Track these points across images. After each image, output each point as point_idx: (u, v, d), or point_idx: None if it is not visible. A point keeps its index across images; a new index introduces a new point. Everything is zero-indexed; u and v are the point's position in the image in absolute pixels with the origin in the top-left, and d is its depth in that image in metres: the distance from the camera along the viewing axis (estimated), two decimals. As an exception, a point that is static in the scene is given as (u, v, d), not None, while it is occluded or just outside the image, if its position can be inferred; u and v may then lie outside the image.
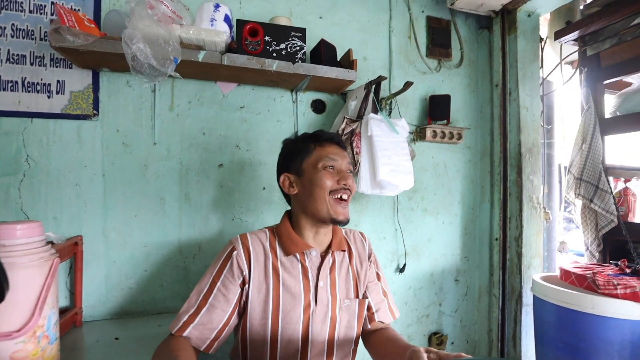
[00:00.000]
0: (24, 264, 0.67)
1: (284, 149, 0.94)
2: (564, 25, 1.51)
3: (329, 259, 0.88)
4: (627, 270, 1.14)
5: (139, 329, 1.09)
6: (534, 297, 1.28)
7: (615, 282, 1.06)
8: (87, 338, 1.03)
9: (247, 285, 0.81)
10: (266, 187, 1.37)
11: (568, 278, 1.19)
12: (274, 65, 1.16)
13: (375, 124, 1.27)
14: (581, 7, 1.45)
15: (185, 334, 0.77)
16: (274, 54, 1.19)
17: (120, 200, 1.21)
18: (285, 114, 1.41)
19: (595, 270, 1.15)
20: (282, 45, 1.21)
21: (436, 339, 1.60)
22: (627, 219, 1.32)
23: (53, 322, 0.74)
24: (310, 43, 1.32)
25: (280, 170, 0.93)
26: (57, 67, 1.15)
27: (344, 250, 0.92)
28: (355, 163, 1.27)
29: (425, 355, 0.61)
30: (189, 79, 1.26)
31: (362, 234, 1.01)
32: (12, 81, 1.11)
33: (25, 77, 1.12)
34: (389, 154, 1.27)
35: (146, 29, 0.83)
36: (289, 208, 0.96)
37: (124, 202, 1.21)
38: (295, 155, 0.89)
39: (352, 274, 0.92)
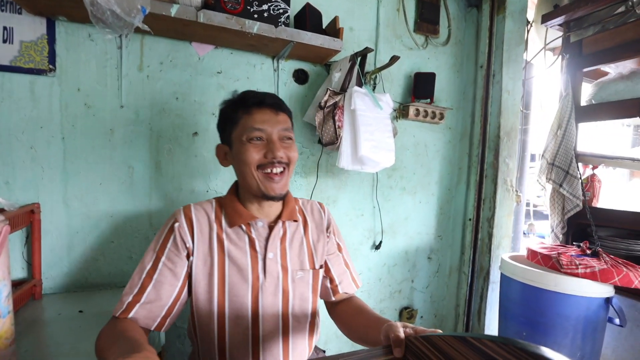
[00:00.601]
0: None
1: (219, 114, 0.86)
2: (551, 9, 1.50)
3: (278, 230, 0.83)
4: (588, 252, 1.21)
5: (105, 302, 1.03)
6: (502, 275, 1.34)
7: (577, 262, 1.12)
8: (48, 311, 0.97)
9: (191, 258, 0.77)
10: (243, 159, 1.31)
11: (534, 258, 1.25)
12: (255, 27, 1.08)
13: (359, 97, 1.22)
14: (570, -10, 1.44)
15: (131, 315, 0.71)
16: (255, 15, 1.11)
17: (83, 167, 1.11)
18: (265, 83, 1.33)
19: (559, 251, 1.21)
20: (265, 7, 1.12)
21: (407, 313, 1.66)
22: (591, 203, 1.39)
23: (5, 294, 0.67)
24: (295, 7, 1.23)
25: (220, 139, 0.87)
26: (2, 11, 1.00)
27: (296, 221, 0.86)
28: (337, 137, 1.24)
29: (402, 330, 0.61)
30: (161, 36, 1.15)
31: (320, 204, 0.95)
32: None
33: (-36, 21, 0.98)
34: (372, 130, 1.24)
35: (109, -29, 0.73)
36: None
37: (87, 169, 1.12)
38: (226, 122, 0.82)
39: (307, 245, 0.87)
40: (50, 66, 1.06)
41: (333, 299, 0.92)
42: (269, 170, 0.77)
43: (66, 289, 1.11)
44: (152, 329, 0.74)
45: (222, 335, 0.78)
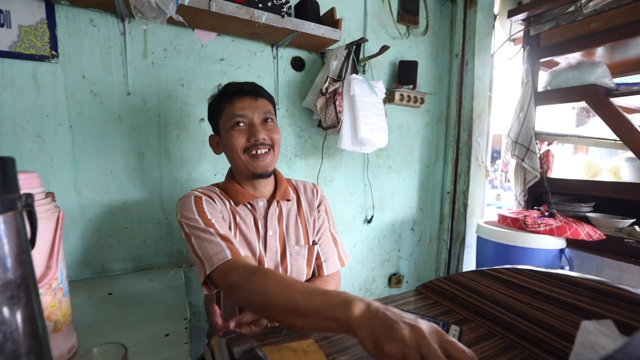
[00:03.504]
0: (38, 215, 0.63)
1: (208, 109, 0.92)
2: (515, 5, 1.69)
3: (274, 209, 0.89)
4: (546, 214, 1.46)
5: (129, 284, 1.07)
6: (478, 237, 1.56)
7: (539, 222, 1.36)
8: (75, 296, 0.99)
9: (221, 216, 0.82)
10: (248, 144, 1.37)
11: (505, 221, 1.48)
12: (264, 17, 1.13)
13: (357, 84, 1.33)
14: (531, -11, 1.64)
15: (243, 254, 0.72)
16: (260, 5, 1.15)
17: (93, 155, 1.11)
18: (265, 70, 1.39)
19: (525, 214, 1.44)
20: (269, -4, 1.17)
21: (395, 278, 1.85)
22: (547, 174, 1.64)
23: (65, 274, 0.72)
24: (294, -3, 1.29)
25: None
26: (-1, -8, 0.96)
27: (289, 200, 0.92)
28: (338, 121, 1.34)
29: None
30: (164, 23, 1.16)
31: (314, 185, 1.01)
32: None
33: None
34: (369, 114, 1.36)
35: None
36: None
37: (97, 157, 1.12)
38: (214, 113, 0.88)
39: (302, 222, 0.93)
40: (53, 52, 1.04)
41: (317, 276, 0.95)
42: (254, 152, 0.83)
43: (84, 276, 1.13)
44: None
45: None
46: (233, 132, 0.83)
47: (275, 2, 1.19)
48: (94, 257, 1.15)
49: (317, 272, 0.94)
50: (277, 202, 0.91)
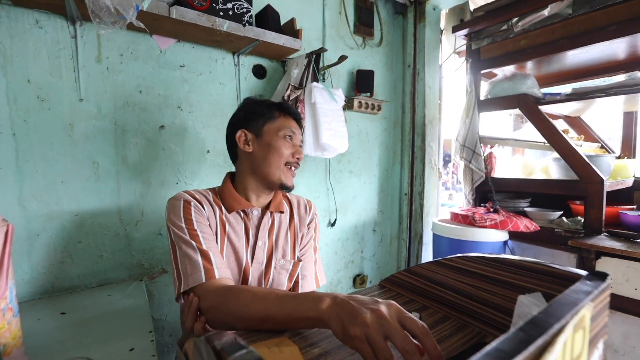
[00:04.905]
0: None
1: (247, 106, 0.94)
2: (458, 21, 1.87)
3: (267, 220, 0.91)
4: (491, 210, 1.61)
5: (84, 302, 1.01)
6: (433, 234, 1.68)
7: (486, 218, 1.50)
8: (24, 318, 0.92)
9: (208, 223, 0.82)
10: (210, 150, 1.36)
11: (456, 218, 1.61)
12: (225, 25, 1.14)
13: (318, 92, 1.39)
14: (471, 9, 1.82)
15: (217, 276, 0.71)
16: (221, 13, 1.17)
17: (40, 165, 1.04)
18: (227, 77, 1.39)
19: (473, 211, 1.59)
20: (229, 5, 1.19)
21: (359, 279, 1.92)
22: (491, 174, 1.82)
23: (14, 293, 0.67)
24: (256, 6, 1.32)
25: (238, 125, 0.91)
26: None
27: (282, 212, 0.94)
28: (300, 127, 1.38)
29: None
30: (123, 29, 1.12)
31: (308, 201, 1.04)
32: None
33: None
34: (329, 120, 1.42)
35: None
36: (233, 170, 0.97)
37: (46, 167, 1.05)
38: (259, 115, 0.91)
39: (291, 236, 0.95)
40: (-8, 55, 0.96)
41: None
42: (290, 167, 0.91)
43: (30, 297, 1.04)
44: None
45: None
46: (284, 141, 0.88)
47: (236, 10, 1.21)
48: (43, 275, 1.06)
49: (292, 288, 0.95)
50: (271, 213, 0.92)
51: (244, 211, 0.89)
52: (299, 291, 0.93)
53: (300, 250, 0.97)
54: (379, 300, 0.48)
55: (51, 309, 0.97)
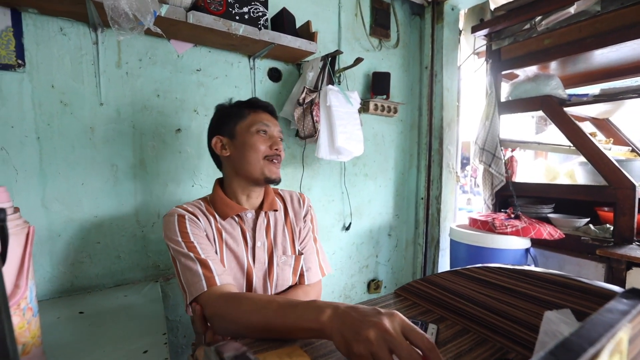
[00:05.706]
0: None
1: (217, 112, 0.95)
2: (477, 21, 1.82)
3: (262, 220, 0.91)
4: (512, 216, 1.55)
5: (102, 302, 1.03)
6: (451, 240, 1.63)
7: (507, 224, 1.44)
8: (42, 317, 0.94)
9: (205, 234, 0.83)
10: (225, 154, 1.37)
11: (475, 224, 1.56)
12: (241, 29, 1.15)
13: (333, 95, 1.37)
14: (492, 8, 1.77)
15: (218, 283, 0.72)
16: (237, 17, 1.17)
17: (62, 167, 1.07)
18: (242, 80, 1.40)
19: (493, 217, 1.53)
20: (245, 9, 1.19)
21: (373, 284, 1.88)
22: (512, 179, 1.75)
23: (34, 294, 0.68)
24: (271, 10, 1.32)
25: (212, 133, 0.93)
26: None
27: (276, 210, 0.94)
28: (315, 130, 1.37)
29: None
30: (141, 34, 1.15)
31: (301, 194, 1.04)
32: None
33: None
34: (345, 123, 1.40)
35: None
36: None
37: (67, 169, 1.08)
38: (229, 118, 0.90)
39: (289, 232, 0.95)
40: (19, 61, 1.00)
41: (299, 284, 0.95)
42: (272, 160, 0.89)
43: (51, 295, 1.07)
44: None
45: None
46: (258, 137, 0.87)
47: (252, 14, 1.21)
48: (63, 274, 1.09)
49: (298, 281, 0.95)
50: (265, 212, 0.93)
51: (238, 215, 0.89)
52: (306, 283, 0.94)
53: (300, 243, 0.97)
54: (382, 310, 0.46)
55: (70, 308, 0.99)
